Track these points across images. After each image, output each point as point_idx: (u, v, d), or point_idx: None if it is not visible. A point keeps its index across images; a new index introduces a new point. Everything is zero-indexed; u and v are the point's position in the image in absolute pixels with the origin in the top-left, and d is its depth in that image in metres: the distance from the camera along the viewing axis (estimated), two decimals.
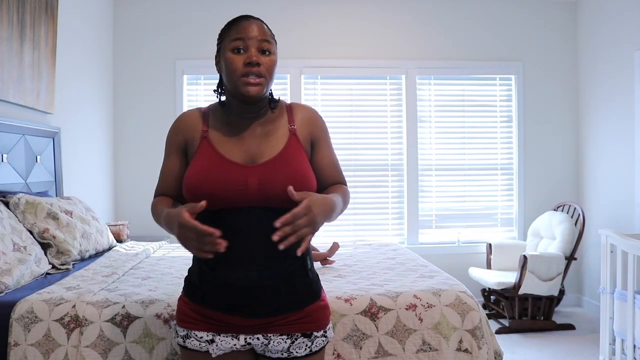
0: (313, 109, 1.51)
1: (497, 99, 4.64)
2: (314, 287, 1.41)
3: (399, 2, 4.50)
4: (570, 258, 3.93)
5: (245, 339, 1.36)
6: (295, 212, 1.18)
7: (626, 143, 3.95)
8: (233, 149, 1.38)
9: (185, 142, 1.44)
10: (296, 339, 1.36)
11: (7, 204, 2.44)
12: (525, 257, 3.79)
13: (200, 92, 4.42)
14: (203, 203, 1.22)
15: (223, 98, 1.48)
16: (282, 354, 1.37)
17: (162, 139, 4.30)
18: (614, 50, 4.09)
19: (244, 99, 1.36)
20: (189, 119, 1.46)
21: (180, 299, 1.43)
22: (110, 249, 2.98)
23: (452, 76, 4.58)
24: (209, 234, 1.17)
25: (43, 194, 2.87)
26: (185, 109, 4.37)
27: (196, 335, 1.36)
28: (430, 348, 1.84)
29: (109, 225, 3.44)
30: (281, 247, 1.18)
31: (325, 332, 1.41)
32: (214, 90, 1.49)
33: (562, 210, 4.29)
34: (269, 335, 1.36)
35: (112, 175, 4.27)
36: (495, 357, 1.97)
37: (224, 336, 1.35)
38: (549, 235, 4.14)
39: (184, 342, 1.38)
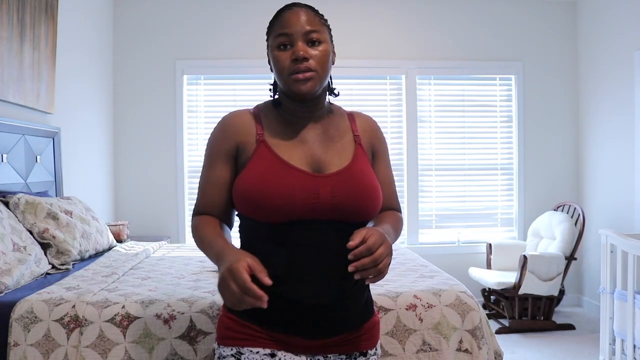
0: (373, 120, 1.41)
1: (497, 99, 4.64)
2: (370, 303, 1.33)
3: (399, 2, 4.50)
4: (570, 258, 3.93)
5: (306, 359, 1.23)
6: (370, 244, 1.07)
7: (626, 143, 3.95)
8: (296, 154, 1.24)
9: (237, 148, 1.27)
10: (355, 359, 1.27)
11: (7, 204, 2.44)
12: (525, 257, 3.79)
13: (200, 92, 4.42)
14: (268, 281, 1.05)
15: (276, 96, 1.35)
16: None
17: (162, 138, 4.34)
18: (614, 50, 4.09)
19: (297, 97, 1.24)
20: (239, 119, 1.29)
21: (223, 316, 1.25)
22: (110, 249, 2.98)
23: (452, 76, 4.57)
24: (253, 294, 1.02)
25: (43, 194, 2.87)
26: (185, 109, 4.37)
27: (252, 352, 1.20)
28: (430, 348, 1.84)
29: (109, 225, 3.44)
30: (357, 277, 1.08)
31: (377, 349, 1.32)
32: (270, 89, 1.36)
33: (562, 210, 4.29)
34: (329, 355, 1.24)
35: (112, 175, 4.27)
36: (495, 357, 1.97)
37: (285, 353, 1.21)
38: (549, 235, 4.14)
39: None
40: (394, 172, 4.49)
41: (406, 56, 4.51)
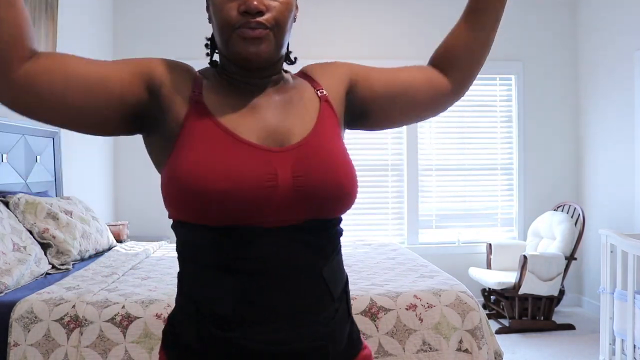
0: (327, 62, 1.06)
1: (497, 99, 4.63)
2: (355, 335, 0.99)
3: (399, 2, 4.50)
4: (570, 258, 3.93)
5: None
6: None
7: (626, 143, 3.95)
8: (243, 123, 0.89)
9: (159, 88, 0.89)
10: None
11: (7, 204, 2.44)
12: (525, 257, 3.79)
13: None
14: None
15: (216, 58, 1.00)
16: None
17: None
18: (614, 50, 4.09)
19: (244, 63, 0.89)
20: (178, 66, 0.93)
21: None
22: (110, 249, 2.98)
23: None
24: None
25: (43, 194, 2.87)
26: None
27: None
28: (430, 348, 1.84)
29: (109, 225, 3.44)
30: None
31: None
32: (206, 45, 1.02)
33: (562, 210, 4.29)
34: None
35: (112, 175, 4.27)
36: (495, 357, 1.97)
37: None
38: (549, 235, 4.14)
39: None
40: (394, 172, 4.53)
41: (406, 56, 4.50)
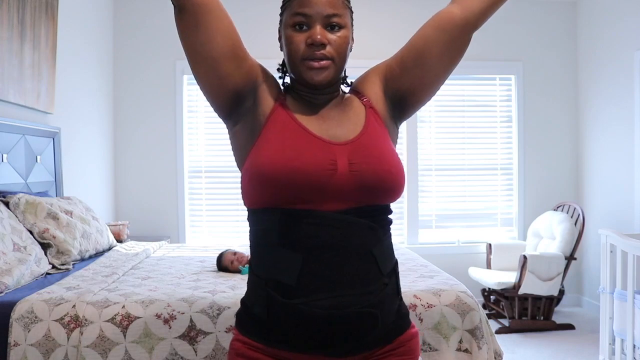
0: (367, 70, 1.25)
1: (497, 99, 4.64)
2: (404, 313, 1.15)
3: (399, 2, 4.50)
4: (570, 258, 3.93)
5: None
6: None
7: (626, 143, 3.95)
8: (312, 124, 1.11)
9: (259, 85, 1.13)
10: None
11: (7, 204, 2.44)
12: (525, 257, 3.79)
13: (200, 92, 4.42)
14: None
15: (287, 80, 1.23)
16: None
17: (162, 138, 4.35)
18: (614, 50, 4.09)
19: (310, 86, 1.13)
20: (270, 75, 1.18)
21: (234, 340, 1.11)
22: (110, 249, 2.98)
23: (452, 76, 4.57)
24: None
25: (43, 194, 2.87)
26: (185, 109, 4.37)
27: None
28: (430, 348, 1.84)
29: (109, 225, 3.45)
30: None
31: None
32: (278, 69, 1.23)
33: (562, 210, 4.29)
34: None
35: (112, 175, 4.27)
36: (495, 357, 1.97)
37: None
38: (549, 235, 4.15)
39: None
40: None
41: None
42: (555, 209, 4.36)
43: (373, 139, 1.11)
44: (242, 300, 1.13)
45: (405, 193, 4.52)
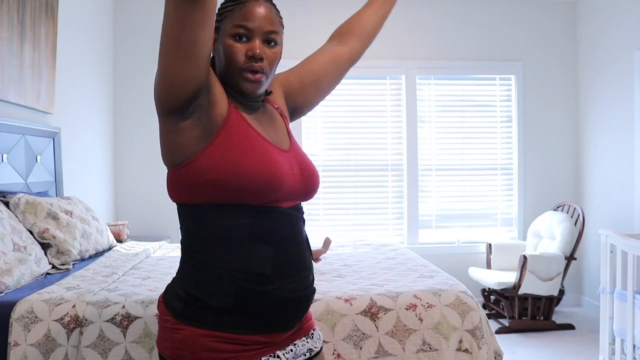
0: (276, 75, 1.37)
1: (496, 99, 4.64)
2: None
3: (399, 2, 4.49)
4: (570, 258, 3.93)
5: (281, 355, 1.20)
6: None
7: (626, 143, 3.95)
8: (260, 130, 1.22)
9: (211, 88, 1.14)
10: (312, 336, 1.30)
11: (7, 204, 2.44)
12: (525, 257, 3.79)
13: None
14: None
15: None
16: (306, 355, 1.27)
17: None
18: (614, 50, 4.09)
19: (243, 95, 1.20)
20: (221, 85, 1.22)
21: (195, 336, 1.12)
22: (110, 249, 2.98)
23: (452, 76, 4.58)
24: None
25: (43, 194, 2.87)
26: None
27: None
28: (430, 348, 1.84)
29: (109, 225, 3.44)
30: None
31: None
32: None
33: (562, 210, 4.29)
34: (296, 342, 1.25)
35: (112, 175, 4.27)
36: (495, 357, 1.97)
37: (271, 358, 1.18)
38: (549, 235, 4.15)
39: None
40: (394, 172, 4.54)
41: (406, 56, 4.51)
42: (555, 209, 4.36)
43: (298, 146, 1.29)
44: (192, 296, 1.14)
45: (405, 193, 4.52)
